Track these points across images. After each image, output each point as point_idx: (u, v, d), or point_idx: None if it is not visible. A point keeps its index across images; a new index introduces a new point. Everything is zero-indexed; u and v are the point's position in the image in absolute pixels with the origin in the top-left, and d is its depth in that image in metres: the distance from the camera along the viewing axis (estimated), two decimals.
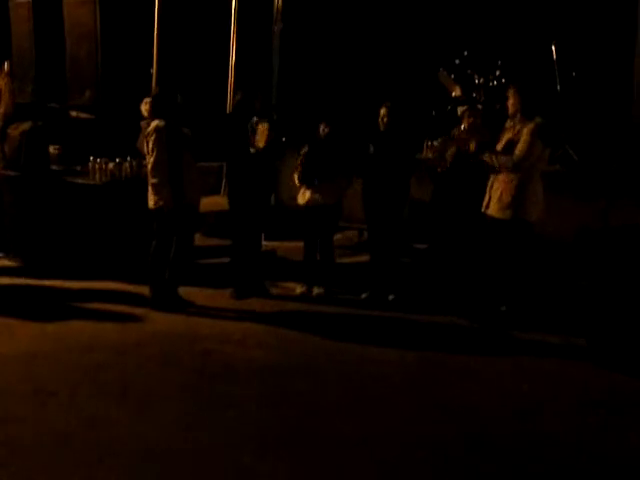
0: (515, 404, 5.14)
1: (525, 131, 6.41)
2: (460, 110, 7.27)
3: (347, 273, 8.07)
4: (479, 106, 8.54)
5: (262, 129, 7.02)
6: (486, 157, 6.55)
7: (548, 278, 7.56)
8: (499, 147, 6.58)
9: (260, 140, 7.01)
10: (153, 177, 6.75)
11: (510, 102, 6.60)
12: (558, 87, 9.87)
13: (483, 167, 6.65)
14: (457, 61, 10.58)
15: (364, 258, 7.99)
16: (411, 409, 5.04)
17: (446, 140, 7.32)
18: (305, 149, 7.50)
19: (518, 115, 6.53)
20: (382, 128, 7.25)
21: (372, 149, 7.23)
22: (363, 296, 7.42)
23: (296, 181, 7.53)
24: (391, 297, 7.31)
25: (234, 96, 7.60)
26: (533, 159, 6.42)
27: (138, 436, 4.52)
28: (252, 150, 7.03)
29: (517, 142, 6.42)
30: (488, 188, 6.64)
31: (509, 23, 10.60)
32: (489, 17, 10.75)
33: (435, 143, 7.34)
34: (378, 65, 11.48)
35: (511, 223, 6.48)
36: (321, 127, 7.43)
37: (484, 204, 6.67)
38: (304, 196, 7.49)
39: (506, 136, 6.59)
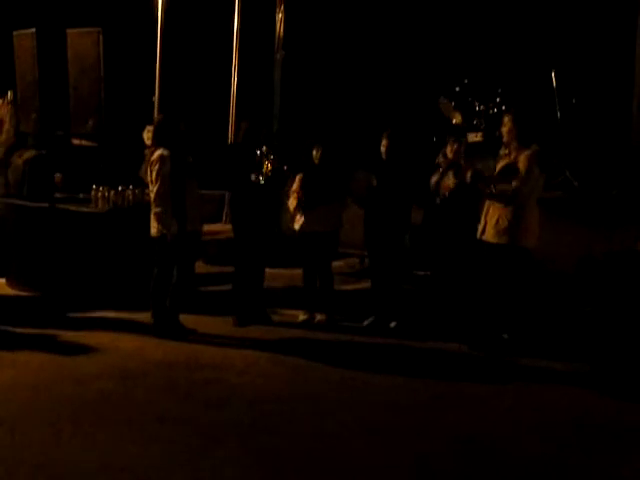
0: (515, 429, 5.13)
1: (522, 158, 6.42)
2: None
3: (349, 300, 8.07)
4: (477, 134, 8.62)
5: (266, 160, 7.05)
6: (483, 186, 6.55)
7: (551, 304, 7.56)
8: (495, 174, 6.59)
9: (266, 170, 7.04)
10: (156, 206, 6.76)
11: (505, 129, 6.58)
12: (558, 114, 9.94)
13: (477, 193, 6.67)
14: (457, 89, 10.65)
15: (366, 285, 8.00)
16: (412, 434, 5.02)
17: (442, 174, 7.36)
18: (300, 176, 7.53)
19: (514, 143, 6.53)
20: (384, 157, 7.29)
21: (375, 181, 7.26)
22: (365, 323, 7.41)
23: (291, 208, 7.56)
24: (393, 324, 7.30)
25: (239, 125, 7.64)
26: (531, 185, 6.43)
27: (143, 466, 4.51)
28: (253, 178, 7.04)
29: (514, 169, 6.41)
30: (483, 214, 6.63)
31: (509, 51, 10.68)
32: (490, 45, 10.83)
33: (434, 178, 7.34)
34: (379, 92, 11.55)
35: (507, 249, 6.47)
36: (314, 151, 7.46)
37: (479, 230, 6.66)
38: (300, 222, 7.50)
39: (501, 163, 6.60)
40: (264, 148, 7.06)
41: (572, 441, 4.99)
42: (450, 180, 7.13)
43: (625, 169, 8.90)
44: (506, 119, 6.63)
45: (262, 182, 7.05)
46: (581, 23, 10.33)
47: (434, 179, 7.31)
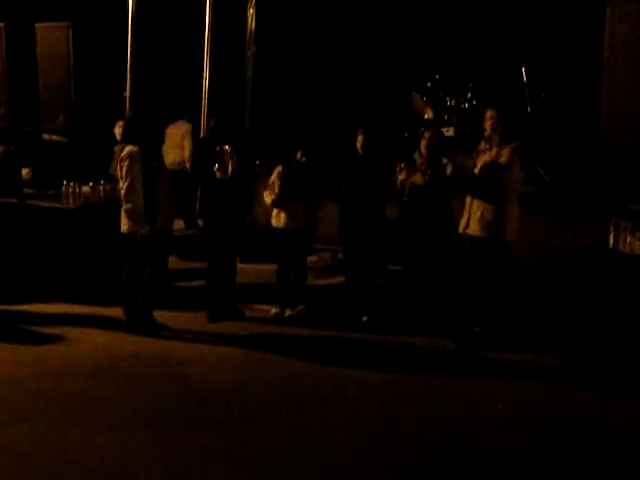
0: (486, 422, 5.17)
1: (505, 152, 6.41)
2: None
3: (322, 295, 8.08)
4: (448, 129, 8.65)
5: (228, 156, 6.98)
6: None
7: (521, 298, 7.61)
8: (476, 170, 6.60)
9: (229, 165, 6.97)
10: (127, 202, 6.73)
11: (488, 123, 6.53)
12: (528, 109, 10.01)
13: (450, 188, 6.70)
14: (429, 84, 10.71)
15: (339, 280, 8.01)
16: (385, 428, 5.05)
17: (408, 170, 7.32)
18: (279, 169, 7.50)
19: (496, 137, 6.50)
20: (361, 153, 7.27)
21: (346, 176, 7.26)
22: (339, 318, 7.41)
23: (267, 201, 7.53)
24: (365, 318, 7.32)
25: (208, 121, 7.60)
26: (514, 178, 6.45)
27: (116, 463, 4.49)
28: (218, 175, 6.96)
29: (495, 166, 6.43)
30: (467, 208, 6.64)
31: (480, 46, 10.73)
32: (460, 41, 10.88)
33: (401, 176, 7.28)
34: (351, 88, 11.57)
35: (490, 242, 6.50)
36: (298, 154, 7.43)
37: (462, 224, 6.67)
38: (279, 218, 7.50)
39: (482, 158, 6.60)
40: (226, 146, 6.97)
41: (541, 434, 5.03)
42: (417, 177, 7.11)
43: (595, 163, 8.97)
44: (489, 113, 6.56)
45: (219, 177, 6.96)
46: (551, 18, 10.40)
47: (400, 178, 7.25)
